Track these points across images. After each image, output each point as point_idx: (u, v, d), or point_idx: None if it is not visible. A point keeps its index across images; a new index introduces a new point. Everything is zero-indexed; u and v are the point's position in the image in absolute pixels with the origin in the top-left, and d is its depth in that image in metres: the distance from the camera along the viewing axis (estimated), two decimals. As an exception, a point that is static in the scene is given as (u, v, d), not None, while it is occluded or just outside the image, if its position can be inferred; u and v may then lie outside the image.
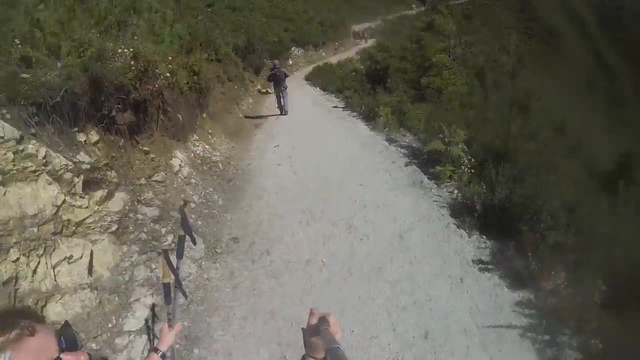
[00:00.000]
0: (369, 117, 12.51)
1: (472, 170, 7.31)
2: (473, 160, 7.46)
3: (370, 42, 40.93)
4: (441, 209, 6.49)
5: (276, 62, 15.33)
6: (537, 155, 7.34)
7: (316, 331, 1.18)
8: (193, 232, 2.43)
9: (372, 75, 19.66)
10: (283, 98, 14.26)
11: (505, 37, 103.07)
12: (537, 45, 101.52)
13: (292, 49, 30.24)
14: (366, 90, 16.96)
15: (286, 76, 14.37)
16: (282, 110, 14.37)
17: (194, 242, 2.65)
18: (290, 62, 26.00)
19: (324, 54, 34.17)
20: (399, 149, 9.52)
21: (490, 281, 4.77)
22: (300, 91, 19.15)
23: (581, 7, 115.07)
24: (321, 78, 22.43)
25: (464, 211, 6.16)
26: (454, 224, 6.00)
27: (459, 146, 7.82)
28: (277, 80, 14.04)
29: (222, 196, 7.26)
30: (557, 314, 4.07)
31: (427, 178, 7.64)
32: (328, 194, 7.27)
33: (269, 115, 14.56)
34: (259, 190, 7.65)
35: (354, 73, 21.22)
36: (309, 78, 23.81)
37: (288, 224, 6.30)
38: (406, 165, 8.39)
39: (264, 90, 19.45)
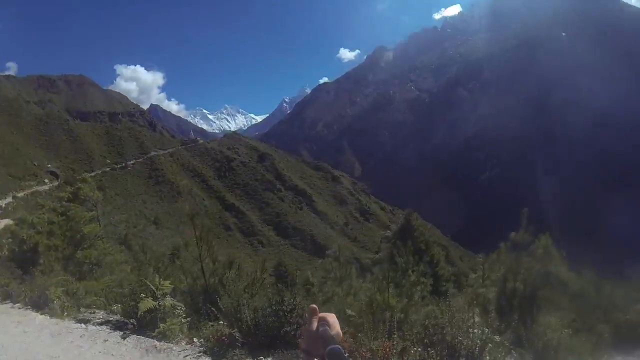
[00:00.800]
0: (41, 304, 10.89)
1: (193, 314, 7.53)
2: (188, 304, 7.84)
3: (4, 221, 36.58)
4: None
5: None
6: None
7: (316, 331, 1.23)
8: None
9: (19, 259, 17.57)
10: None
11: (139, 203, 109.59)
12: (169, 205, 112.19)
13: None
14: (18, 276, 15.14)
15: None
16: None
17: None
18: None
19: None
20: (101, 326, 8.80)
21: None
22: None
23: (200, 166, 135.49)
24: None
25: (225, 348, 6.28)
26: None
27: (169, 298, 7.95)
28: None
29: None
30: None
31: (158, 340, 7.25)
32: None
33: None
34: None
35: None
36: None
37: None
38: (123, 337, 7.83)
39: None
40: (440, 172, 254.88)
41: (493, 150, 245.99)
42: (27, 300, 10.84)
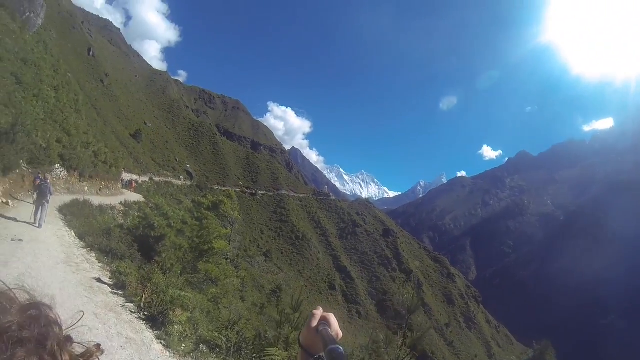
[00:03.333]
0: (157, 322, 8.38)
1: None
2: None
3: (136, 196, 37.42)
4: None
5: (46, 175, 16.00)
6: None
7: (316, 330, 1.23)
8: None
9: (141, 240, 15.56)
10: (42, 211, 14.06)
11: (257, 232, 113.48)
12: (284, 244, 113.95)
13: (57, 166, 24.34)
14: (136, 259, 13.26)
15: (51, 194, 14.66)
16: (37, 222, 13.83)
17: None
18: (49, 181, 19.71)
19: (87, 188, 28.82)
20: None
21: None
22: (47, 229, 14.04)
23: (325, 220, 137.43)
24: (79, 218, 17.28)
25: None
26: None
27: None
28: (43, 193, 14.22)
29: None
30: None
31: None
32: None
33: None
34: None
35: (119, 229, 16.65)
36: (64, 211, 18.46)
37: None
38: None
39: (5, 201, 15.79)
40: (560, 306, 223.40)
41: (623, 299, 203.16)
42: (142, 306, 8.98)
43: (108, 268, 11.29)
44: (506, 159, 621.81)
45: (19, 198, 18.12)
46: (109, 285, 9.78)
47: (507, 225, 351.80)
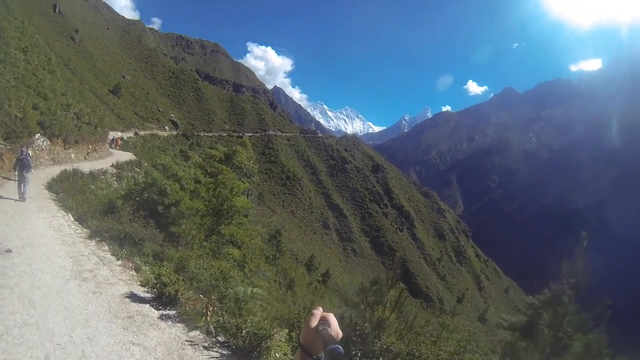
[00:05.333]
0: (250, 354, 6.06)
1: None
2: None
3: (127, 154, 35.26)
4: None
5: (24, 149, 15.23)
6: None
7: (316, 330, 1.23)
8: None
9: (147, 207, 13.46)
10: (24, 185, 13.83)
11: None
12: (276, 185, 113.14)
13: (37, 136, 21.65)
14: (157, 239, 11.36)
15: (30, 166, 14.29)
16: (21, 196, 13.69)
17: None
18: (30, 154, 17.30)
19: (73, 155, 26.32)
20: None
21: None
22: (40, 218, 11.65)
23: (314, 159, 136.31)
24: (73, 195, 14.91)
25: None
26: None
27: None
28: (23, 167, 13.95)
29: None
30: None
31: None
32: None
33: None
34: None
35: (121, 200, 14.19)
36: (53, 188, 16.14)
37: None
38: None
39: None
40: (543, 235, 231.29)
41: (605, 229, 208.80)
42: (214, 331, 6.54)
43: (132, 266, 9.09)
44: (492, 94, 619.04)
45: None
46: (150, 302, 7.26)
47: (492, 161, 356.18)
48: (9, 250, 8.10)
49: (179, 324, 6.64)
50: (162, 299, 7.32)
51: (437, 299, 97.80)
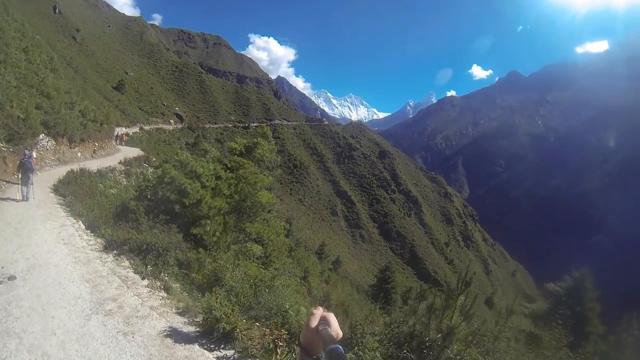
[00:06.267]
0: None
1: None
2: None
3: (134, 150, 34.31)
4: None
5: (27, 151, 14.77)
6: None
7: (316, 330, 1.23)
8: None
9: (165, 207, 12.21)
10: (28, 186, 13.48)
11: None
12: (283, 174, 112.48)
13: (41, 136, 20.58)
14: (181, 247, 9.93)
15: (33, 169, 13.97)
16: (24, 197, 13.35)
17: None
18: (35, 156, 16.18)
19: (79, 154, 25.22)
20: None
21: None
22: (47, 229, 10.37)
23: (321, 146, 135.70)
24: (82, 199, 13.64)
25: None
26: None
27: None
28: (25, 170, 13.63)
29: None
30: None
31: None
32: None
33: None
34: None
35: (135, 202, 12.75)
36: (60, 190, 14.95)
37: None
38: None
39: None
40: (549, 219, 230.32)
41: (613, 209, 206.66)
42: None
43: (160, 285, 7.69)
44: (497, 78, 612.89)
45: (2, 186, 14.71)
46: (198, 341, 5.80)
47: (498, 145, 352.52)
48: (12, 277, 6.70)
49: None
50: (213, 335, 5.85)
51: (445, 283, 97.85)
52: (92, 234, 10.36)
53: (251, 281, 8.34)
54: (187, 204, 12.05)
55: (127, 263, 8.55)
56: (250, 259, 13.67)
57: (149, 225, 10.63)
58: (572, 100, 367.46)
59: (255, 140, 20.30)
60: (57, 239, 9.47)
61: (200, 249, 10.57)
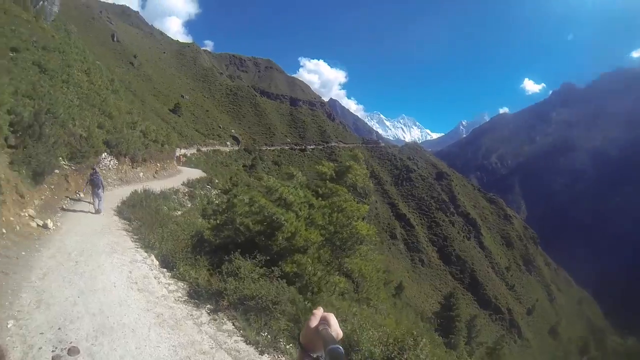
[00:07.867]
0: None
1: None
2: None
3: (196, 172, 33.66)
4: None
5: (96, 168, 15.03)
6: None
7: (316, 330, 1.22)
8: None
9: (245, 239, 9.99)
10: (99, 200, 13.58)
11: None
12: None
13: (104, 155, 19.90)
14: (284, 302, 7.33)
15: (103, 186, 14.02)
16: (97, 210, 13.43)
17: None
18: (98, 172, 14.91)
19: (142, 174, 24.37)
20: None
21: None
22: (112, 271, 8.04)
23: (378, 169, 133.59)
24: (152, 227, 11.60)
25: None
26: None
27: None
28: (95, 186, 13.68)
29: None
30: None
31: None
32: None
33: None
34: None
35: (209, 232, 10.79)
36: (124, 213, 13.56)
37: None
38: None
39: (41, 223, 10.02)
40: (618, 242, 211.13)
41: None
42: None
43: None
44: (550, 92, 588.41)
45: (64, 206, 13.03)
46: None
47: (555, 162, 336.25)
48: (73, 350, 4.43)
49: None
50: None
51: (506, 310, 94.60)
52: (169, 274, 8.19)
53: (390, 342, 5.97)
54: (281, 237, 9.70)
55: (229, 326, 6.22)
56: (332, 294, 11.17)
57: (248, 270, 8.07)
58: (633, 110, 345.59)
59: (347, 163, 18.00)
60: (128, 282, 7.33)
61: (293, 290, 8.15)
